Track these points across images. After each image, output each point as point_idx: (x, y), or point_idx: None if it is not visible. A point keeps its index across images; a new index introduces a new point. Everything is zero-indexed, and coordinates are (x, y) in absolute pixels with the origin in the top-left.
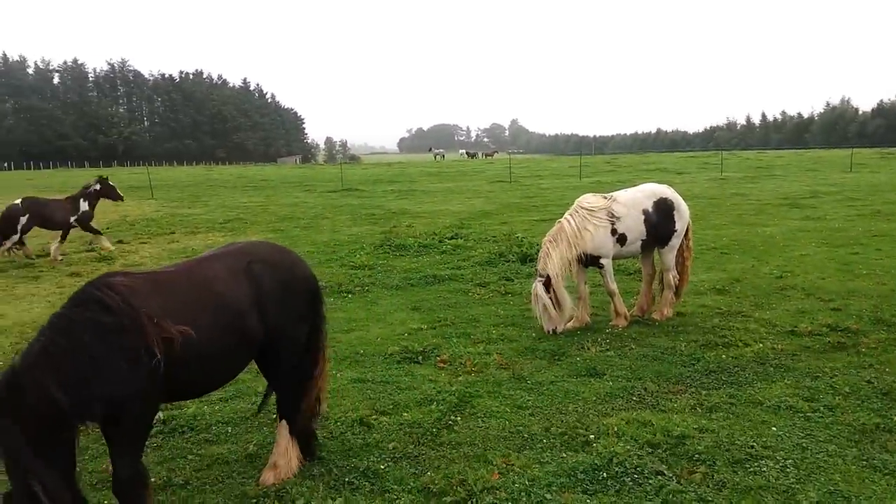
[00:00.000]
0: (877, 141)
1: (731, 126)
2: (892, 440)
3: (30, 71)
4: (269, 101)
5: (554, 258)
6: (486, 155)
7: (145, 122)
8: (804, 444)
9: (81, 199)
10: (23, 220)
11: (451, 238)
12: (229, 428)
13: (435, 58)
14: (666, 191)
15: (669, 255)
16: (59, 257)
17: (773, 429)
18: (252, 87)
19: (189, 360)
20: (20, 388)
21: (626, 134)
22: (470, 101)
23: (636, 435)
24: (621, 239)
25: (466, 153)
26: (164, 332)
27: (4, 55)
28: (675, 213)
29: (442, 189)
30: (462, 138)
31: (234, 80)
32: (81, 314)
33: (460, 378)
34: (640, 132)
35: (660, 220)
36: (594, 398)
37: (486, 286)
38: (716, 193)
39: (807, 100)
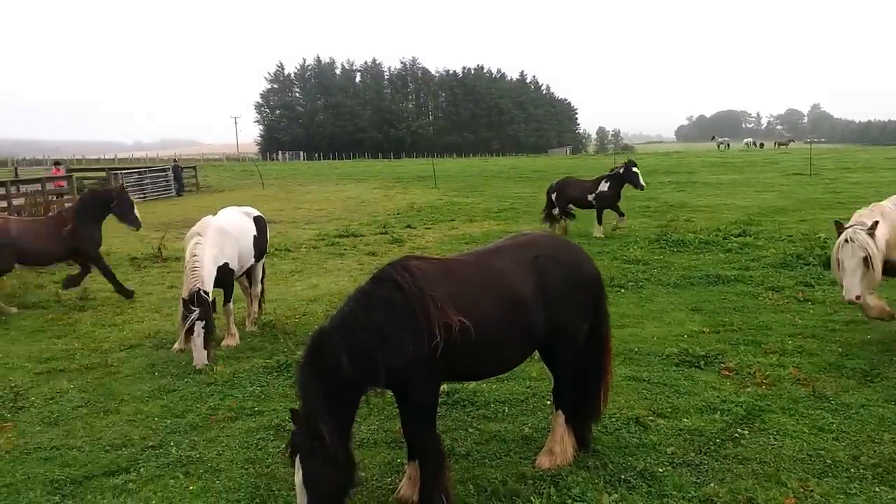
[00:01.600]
0: None
1: None
2: None
3: (337, 71)
4: (544, 92)
5: (882, 227)
6: (780, 144)
7: (430, 116)
8: None
9: (604, 181)
10: (553, 196)
11: (738, 235)
12: (506, 407)
13: (721, 37)
14: None
15: None
16: (600, 235)
17: None
18: (528, 80)
19: (469, 347)
20: (323, 347)
21: None
22: (761, 85)
23: None
24: None
25: (753, 142)
26: (445, 318)
27: (318, 58)
28: None
29: (726, 181)
30: (751, 126)
31: (512, 74)
32: (378, 292)
33: (748, 389)
34: None
35: None
36: None
37: (779, 291)
38: None
39: None
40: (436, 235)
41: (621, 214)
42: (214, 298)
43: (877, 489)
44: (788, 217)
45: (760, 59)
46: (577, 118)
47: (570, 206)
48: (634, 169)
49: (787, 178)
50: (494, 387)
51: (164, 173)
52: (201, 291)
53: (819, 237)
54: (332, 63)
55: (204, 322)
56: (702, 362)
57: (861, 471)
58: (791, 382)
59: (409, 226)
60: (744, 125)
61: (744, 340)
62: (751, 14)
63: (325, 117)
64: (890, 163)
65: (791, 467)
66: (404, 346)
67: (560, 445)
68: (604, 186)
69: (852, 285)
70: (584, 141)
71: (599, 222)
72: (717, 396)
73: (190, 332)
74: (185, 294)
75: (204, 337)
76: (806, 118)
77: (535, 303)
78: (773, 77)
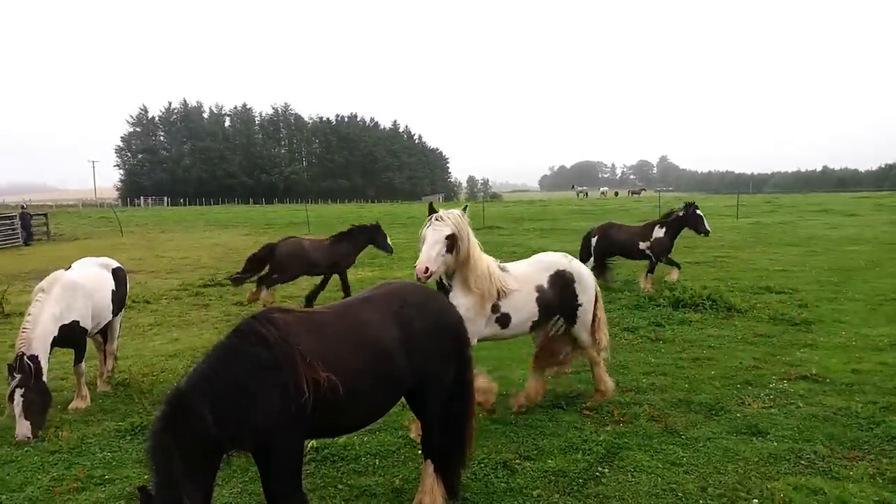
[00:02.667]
0: None
1: None
2: None
3: (205, 115)
4: (416, 141)
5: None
6: (633, 192)
7: (303, 162)
8: None
9: (658, 226)
10: (593, 241)
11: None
12: (377, 460)
13: (580, 94)
14: (562, 260)
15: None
16: (648, 287)
17: None
18: (401, 129)
19: (337, 402)
20: (182, 409)
21: (786, 172)
22: (615, 138)
23: (805, 502)
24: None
25: (605, 191)
26: (313, 374)
27: (185, 101)
28: (576, 285)
29: (586, 228)
30: (606, 175)
31: (385, 123)
32: (241, 346)
33: (608, 428)
34: (802, 170)
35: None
36: (756, 459)
37: (634, 331)
38: (895, 238)
39: None
40: (309, 283)
41: (678, 266)
42: (37, 366)
43: None
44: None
45: (614, 113)
46: (448, 167)
47: (610, 255)
48: (699, 211)
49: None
50: (366, 439)
51: (10, 221)
52: (25, 356)
53: (668, 280)
54: (199, 107)
55: (23, 390)
56: (564, 402)
57: (708, 501)
58: (646, 419)
59: None
60: (600, 175)
61: None
62: (607, 72)
63: (191, 162)
64: (728, 209)
65: (647, 502)
66: (271, 403)
67: (430, 496)
68: (659, 232)
69: (426, 257)
70: (455, 189)
71: (651, 272)
72: (579, 436)
73: (11, 399)
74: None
75: (23, 406)
76: (655, 168)
77: (401, 354)
78: (626, 130)
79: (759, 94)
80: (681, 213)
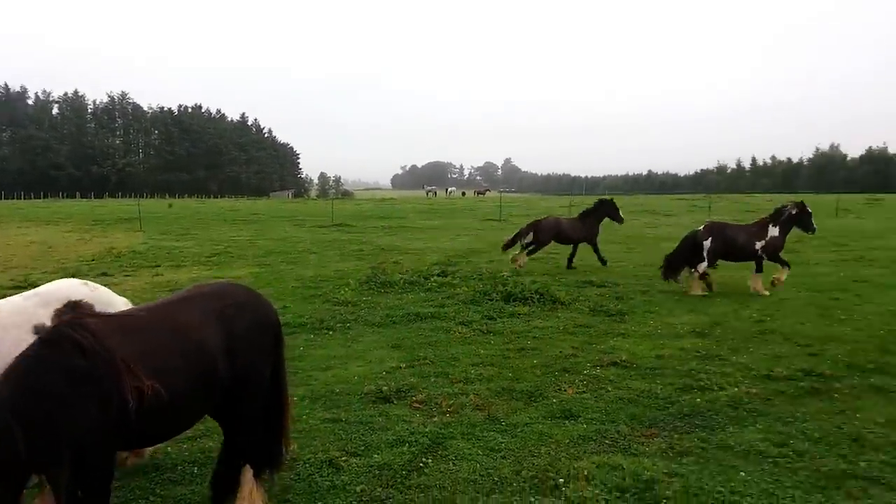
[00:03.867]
0: (864, 187)
1: (721, 170)
2: (857, 487)
3: (30, 101)
4: (266, 135)
5: None
6: (478, 193)
7: (140, 154)
8: (771, 490)
9: (772, 225)
10: (706, 243)
11: (438, 275)
12: (195, 468)
13: (430, 96)
14: (80, 289)
15: None
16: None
17: (742, 474)
18: (250, 122)
19: (157, 410)
20: None
21: (617, 175)
22: (464, 140)
23: (606, 479)
24: None
25: (450, 191)
26: (137, 382)
27: (6, 85)
28: None
29: (432, 226)
30: (455, 176)
31: (233, 115)
32: (52, 356)
33: (435, 419)
34: (630, 174)
35: None
36: (567, 441)
37: (468, 325)
38: None
39: (797, 146)
40: (136, 283)
41: (786, 265)
42: None
43: (532, 499)
44: (480, 258)
45: (463, 115)
46: (299, 163)
47: (723, 258)
48: (809, 209)
49: (483, 223)
50: (185, 446)
51: None
52: None
53: (502, 275)
54: (23, 92)
55: None
56: (395, 397)
57: (521, 484)
58: (471, 409)
59: (104, 273)
60: (450, 175)
61: (434, 372)
62: (459, 73)
63: (10, 151)
64: (563, 210)
65: (465, 489)
66: (90, 417)
67: (248, 502)
68: (773, 231)
69: None
70: (306, 185)
71: (760, 269)
72: (407, 429)
73: None
74: None
75: None
76: (500, 170)
77: (223, 356)
78: (475, 132)
79: (598, 100)
80: (793, 212)
